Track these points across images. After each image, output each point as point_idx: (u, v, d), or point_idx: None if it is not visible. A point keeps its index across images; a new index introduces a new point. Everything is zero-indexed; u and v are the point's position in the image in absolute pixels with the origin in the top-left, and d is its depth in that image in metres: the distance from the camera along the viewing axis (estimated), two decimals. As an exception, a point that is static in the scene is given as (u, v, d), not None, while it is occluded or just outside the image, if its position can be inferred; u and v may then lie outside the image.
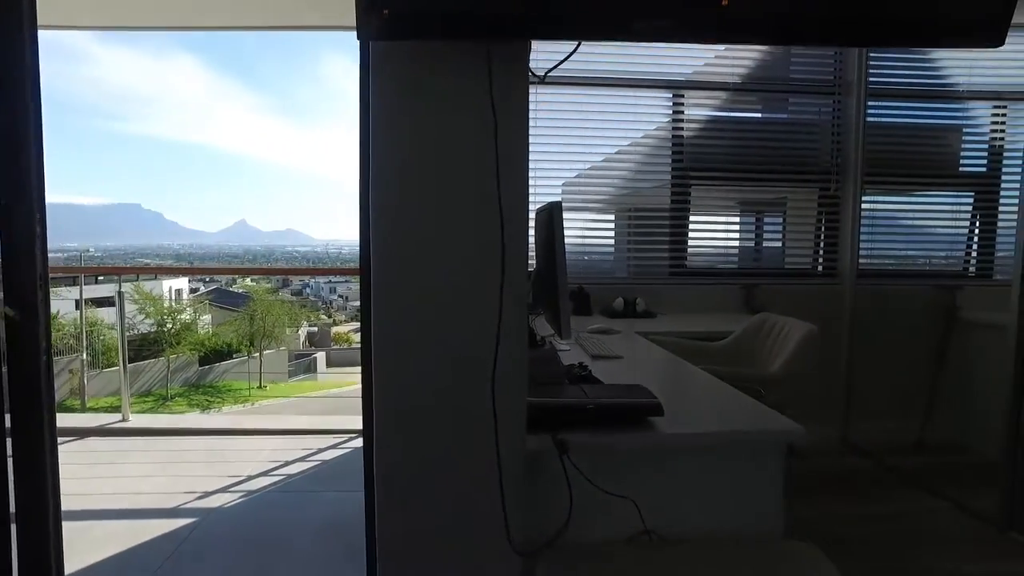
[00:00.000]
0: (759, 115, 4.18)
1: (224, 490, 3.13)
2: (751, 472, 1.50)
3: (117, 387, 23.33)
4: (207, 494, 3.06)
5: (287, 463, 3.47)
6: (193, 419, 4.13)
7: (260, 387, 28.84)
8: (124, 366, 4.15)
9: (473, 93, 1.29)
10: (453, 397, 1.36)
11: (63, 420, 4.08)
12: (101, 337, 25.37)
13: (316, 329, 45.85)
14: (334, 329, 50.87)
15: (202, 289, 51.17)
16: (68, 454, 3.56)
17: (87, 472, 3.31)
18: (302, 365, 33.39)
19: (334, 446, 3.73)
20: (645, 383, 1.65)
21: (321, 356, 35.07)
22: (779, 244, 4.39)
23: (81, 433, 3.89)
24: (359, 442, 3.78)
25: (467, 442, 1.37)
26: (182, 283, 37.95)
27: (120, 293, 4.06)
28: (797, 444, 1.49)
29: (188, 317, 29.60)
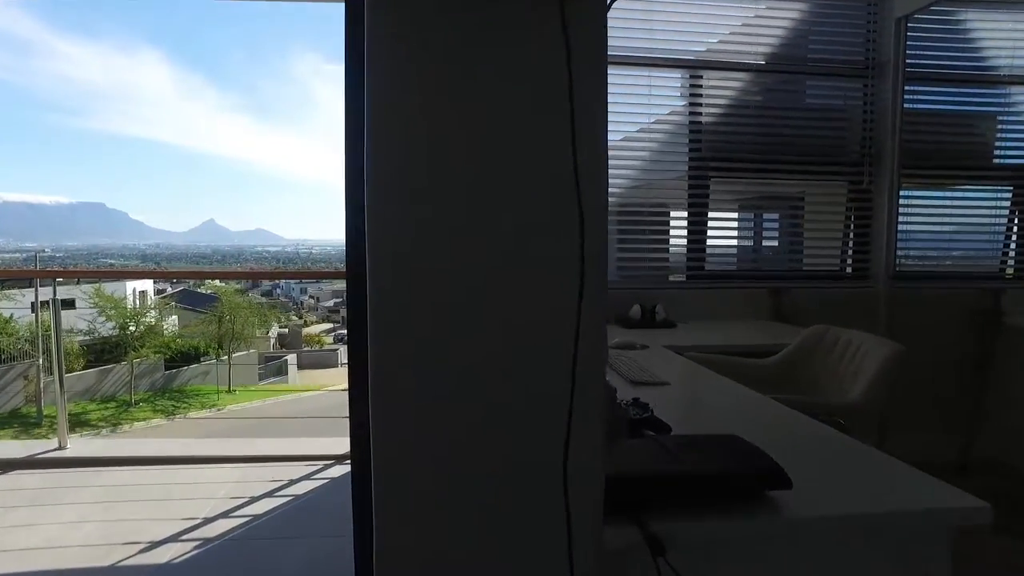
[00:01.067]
0: (774, 100, 3.76)
1: (175, 538, 2.60)
2: (905, 566, 1.06)
3: (76, 393, 22.40)
4: (153, 545, 2.54)
5: (252, 499, 2.95)
6: (143, 446, 3.57)
7: (229, 391, 27.95)
8: (60, 383, 3.59)
9: (526, 22, 0.83)
10: (498, 463, 0.89)
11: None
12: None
13: (287, 330, 44.79)
14: (305, 330, 49.81)
15: (169, 290, 49.76)
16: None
17: (1, 519, 2.76)
18: (272, 367, 32.51)
19: (308, 476, 3.22)
20: (714, 423, 1.21)
21: (292, 358, 34.20)
22: (790, 243, 3.99)
23: (4, 466, 3.32)
24: (337, 471, 3.28)
25: (517, 531, 0.90)
26: (147, 284, 36.74)
27: (55, 300, 3.50)
28: (980, 524, 1.04)
29: (152, 319, 28.58)
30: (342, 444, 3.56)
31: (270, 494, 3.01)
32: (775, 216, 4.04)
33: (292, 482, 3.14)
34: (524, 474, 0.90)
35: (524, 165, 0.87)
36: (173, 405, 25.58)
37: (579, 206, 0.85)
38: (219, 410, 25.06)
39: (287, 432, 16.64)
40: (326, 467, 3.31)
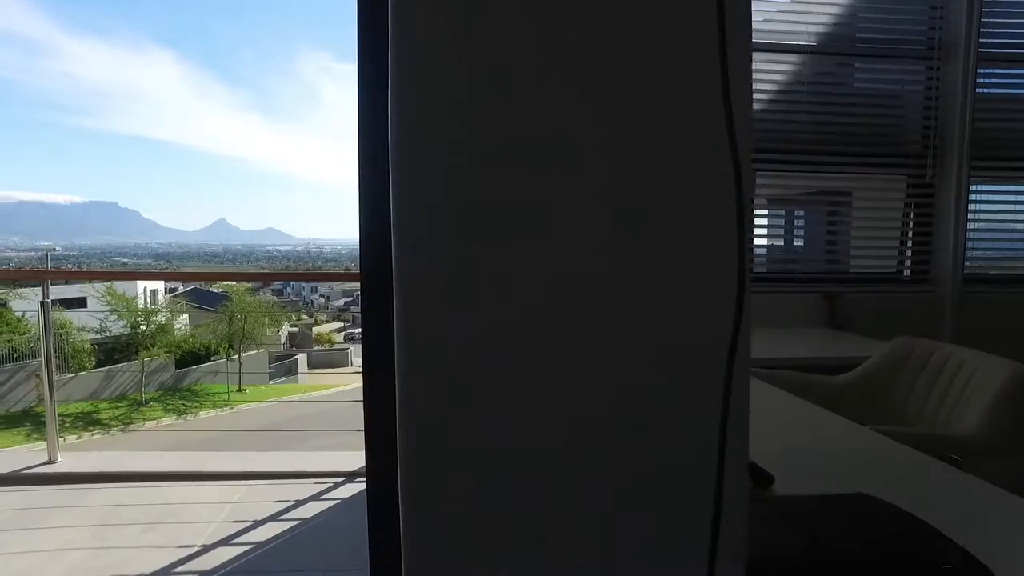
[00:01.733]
0: (818, 86, 3.43)
1: (168, 571, 2.32)
2: None
3: (87, 393, 22.39)
4: (143, 579, 2.26)
5: (254, 524, 2.67)
6: (139, 460, 3.28)
7: (239, 390, 27.83)
8: (50, 391, 3.32)
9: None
10: (574, 496, 0.59)
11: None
12: (70, 340, 24.27)
13: (297, 330, 44.75)
14: (316, 329, 49.74)
15: (180, 288, 49.83)
16: (-34, 513, 2.74)
17: (-17, 543, 2.49)
18: (283, 367, 32.41)
19: (317, 496, 2.93)
20: (811, 464, 0.91)
21: (302, 357, 34.07)
22: (833, 242, 3.66)
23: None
24: (348, 490, 2.99)
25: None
26: (158, 283, 36.73)
27: (45, 303, 3.23)
28: None
29: (164, 318, 28.50)
30: (354, 459, 3.28)
31: (275, 517, 2.72)
32: (801, 213, 3.72)
33: (299, 503, 2.85)
34: (629, 519, 0.59)
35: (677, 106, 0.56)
36: (184, 404, 25.48)
37: (734, 166, 0.55)
38: (231, 409, 24.95)
39: (303, 433, 16.40)
40: (336, 485, 3.02)
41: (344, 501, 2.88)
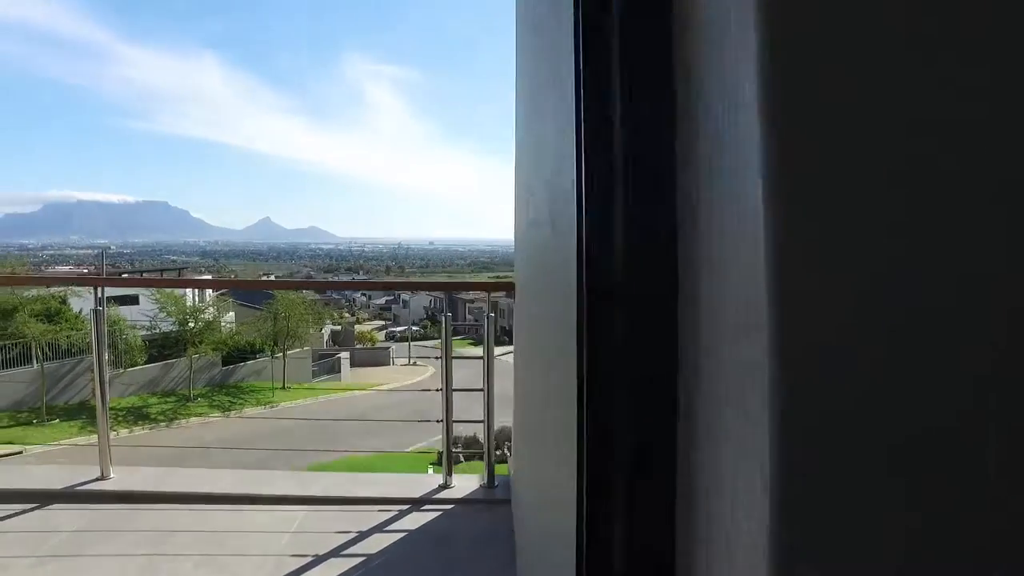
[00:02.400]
0: None
1: (225, 613, 2.11)
2: None
3: (139, 387, 22.85)
4: (198, 623, 2.05)
5: (316, 559, 2.45)
6: (194, 478, 3.10)
7: (283, 388, 28.14)
8: (103, 402, 3.17)
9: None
10: None
11: (12, 477, 3.12)
12: (123, 336, 24.83)
13: (340, 328, 45.17)
14: (358, 328, 50.21)
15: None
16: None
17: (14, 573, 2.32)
18: (326, 365, 32.68)
19: (381, 527, 2.71)
20: None
21: (345, 356, 34.30)
22: None
23: (37, 499, 2.91)
24: (414, 520, 2.76)
25: None
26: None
27: (97, 311, 3.08)
28: None
29: (211, 316, 28.97)
30: (416, 484, 3.06)
31: (338, 552, 2.50)
32: None
33: (362, 535, 2.62)
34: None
35: None
36: (230, 401, 25.88)
37: None
38: (274, 407, 25.23)
39: (353, 431, 16.38)
40: (401, 514, 2.79)
41: (409, 535, 2.65)
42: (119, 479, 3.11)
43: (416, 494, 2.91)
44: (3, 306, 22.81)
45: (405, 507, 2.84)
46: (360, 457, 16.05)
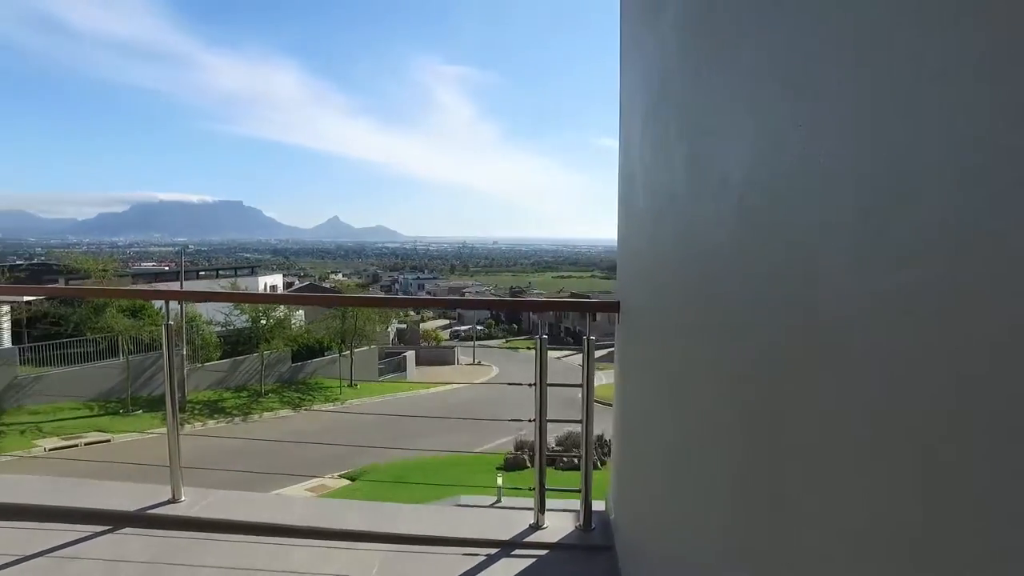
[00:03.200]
0: None
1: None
2: None
3: (211, 382, 23.56)
4: None
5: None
6: (265, 507, 2.89)
7: (351, 386, 28.56)
8: (174, 418, 3.00)
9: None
10: None
11: (83, 495, 2.98)
12: (200, 332, 25.68)
13: (405, 326, 45.63)
14: (423, 326, 50.64)
15: (297, 283, 52.21)
16: (60, 565, 2.44)
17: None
18: (392, 363, 33.03)
19: (471, 574, 2.43)
20: None
21: (411, 355, 34.59)
22: None
23: (108, 520, 2.77)
24: (507, 567, 2.46)
25: None
26: (277, 279, 38.44)
27: (168, 326, 2.92)
28: None
29: (282, 313, 29.63)
30: (504, 523, 2.76)
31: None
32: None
33: (449, 584, 2.35)
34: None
35: None
36: (299, 397, 26.42)
37: None
38: (342, 404, 25.59)
39: (409, 429, 16.38)
40: (490, 560, 2.50)
41: (502, 584, 2.36)
42: (190, 502, 2.95)
43: (505, 535, 2.62)
44: (95, 302, 23.96)
45: (493, 551, 2.55)
46: (429, 457, 16.01)
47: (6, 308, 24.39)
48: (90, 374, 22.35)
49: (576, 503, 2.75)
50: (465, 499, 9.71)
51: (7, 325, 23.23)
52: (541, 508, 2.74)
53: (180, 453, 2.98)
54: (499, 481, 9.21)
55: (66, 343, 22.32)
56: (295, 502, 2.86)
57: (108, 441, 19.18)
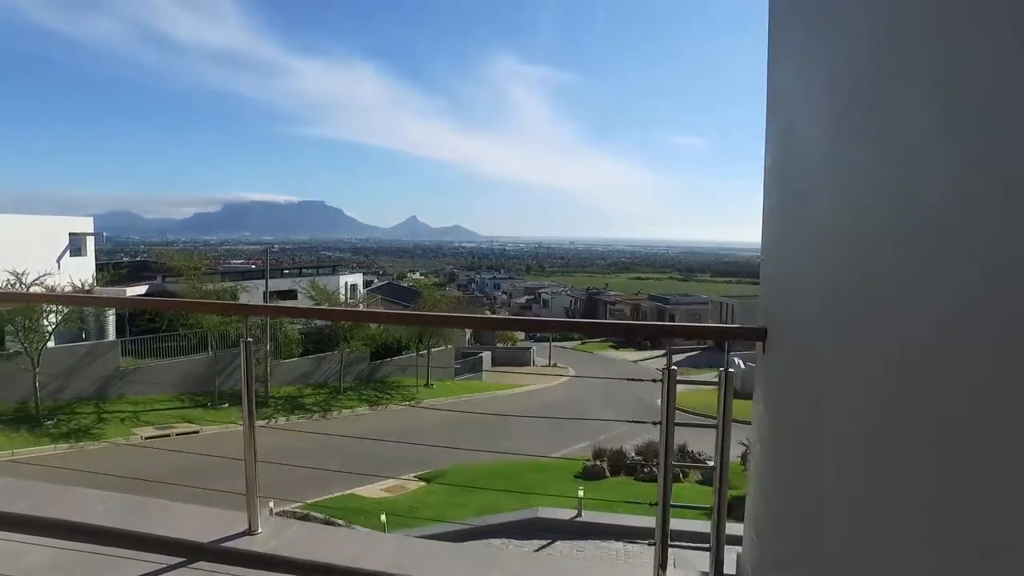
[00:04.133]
0: None
1: None
2: None
3: (294, 377, 24.10)
4: None
5: None
6: (352, 541, 2.61)
7: (427, 385, 28.72)
8: (250, 444, 2.76)
9: None
10: None
11: (156, 519, 2.78)
12: (283, 329, 26.39)
13: (481, 326, 45.69)
14: (498, 326, 50.59)
15: (376, 282, 53.30)
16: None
17: None
18: (468, 364, 33.07)
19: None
20: None
21: (487, 355, 34.56)
22: None
23: (182, 552, 2.54)
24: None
25: None
26: (357, 278, 39.23)
27: (248, 343, 2.67)
28: None
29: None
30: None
31: None
32: None
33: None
34: None
35: None
36: (377, 395, 26.73)
37: None
38: (418, 403, 25.74)
39: (488, 432, 16.15)
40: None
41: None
42: (268, 535, 2.69)
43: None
44: (187, 298, 25.03)
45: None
46: (504, 462, 15.75)
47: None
48: (181, 367, 23.33)
49: (702, 556, 2.34)
50: (543, 511, 9.31)
51: (112, 319, 24.52)
52: (662, 563, 2.33)
53: (258, 481, 2.74)
54: (580, 493, 8.78)
55: (161, 337, 23.37)
56: (384, 541, 2.56)
57: (197, 432, 19.88)
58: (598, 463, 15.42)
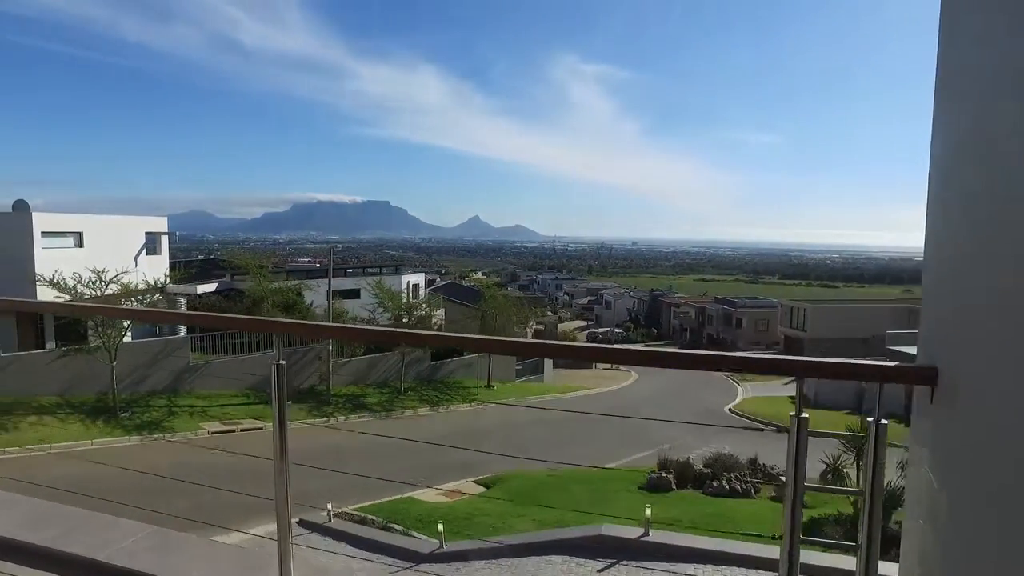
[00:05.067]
0: None
1: None
2: None
3: (356, 377, 24.17)
4: None
5: None
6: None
7: (488, 386, 28.46)
8: (285, 491, 2.38)
9: None
10: None
11: (185, 556, 2.44)
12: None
13: (543, 327, 45.32)
14: (560, 327, 50.14)
15: (438, 281, 53.59)
16: None
17: None
18: (529, 365, 32.66)
19: None
20: None
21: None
22: None
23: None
24: None
25: None
26: (419, 277, 39.39)
27: (280, 366, 2.28)
28: None
29: (423, 312, 30.15)
30: None
31: None
32: None
33: None
34: None
35: None
36: (437, 396, 26.61)
37: None
38: (479, 405, 25.49)
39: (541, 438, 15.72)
40: None
41: None
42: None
43: None
44: (253, 296, 25.53)
45: None
46: (564, 469, 15.28)
47: (183, 300, 26.64)
48: (248, 364, 23.77)
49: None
50: (607, 527, 8.78)
51: (182, 317, 25.24)
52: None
53: (291, 539, 2.34)
54: (647, 512, 8.21)
55: (229, 334, 23.85)
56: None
57: (260, 429, 20.14)
58: (664, 474, 14.70)
